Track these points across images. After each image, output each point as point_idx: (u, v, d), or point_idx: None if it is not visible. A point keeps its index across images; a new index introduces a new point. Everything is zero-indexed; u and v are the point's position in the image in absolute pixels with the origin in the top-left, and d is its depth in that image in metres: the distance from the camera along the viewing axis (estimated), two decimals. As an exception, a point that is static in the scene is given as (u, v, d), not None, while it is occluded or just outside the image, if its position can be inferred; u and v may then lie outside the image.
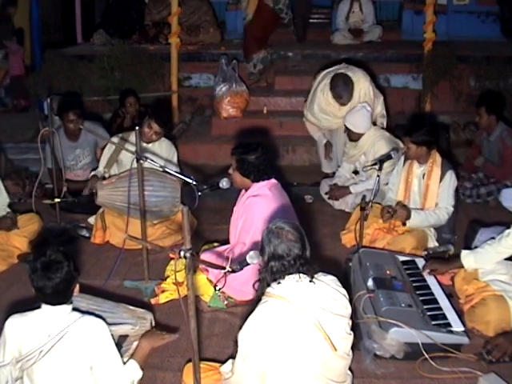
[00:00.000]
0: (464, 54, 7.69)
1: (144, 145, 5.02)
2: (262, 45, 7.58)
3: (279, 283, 2.74)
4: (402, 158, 4.81)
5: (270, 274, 2.76)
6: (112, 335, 2.91)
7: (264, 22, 7.45)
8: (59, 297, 2.79)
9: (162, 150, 5.26)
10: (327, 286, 2.81)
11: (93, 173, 5.47)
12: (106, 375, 2.83)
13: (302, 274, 2.74)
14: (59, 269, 2.74)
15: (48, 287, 2.73)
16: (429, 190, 4.66)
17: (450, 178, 4.63)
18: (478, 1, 8.96)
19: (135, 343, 3.27)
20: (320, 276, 2.83)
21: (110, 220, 4.99)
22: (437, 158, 4.68)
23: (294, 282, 2.73)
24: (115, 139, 5.28)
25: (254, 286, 2.88)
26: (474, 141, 6.22)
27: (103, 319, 2.93)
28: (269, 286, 2.77)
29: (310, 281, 2.75)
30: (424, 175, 4.69)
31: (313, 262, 2.81)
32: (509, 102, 6.94)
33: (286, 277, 2.74)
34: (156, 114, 5.36)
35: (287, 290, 2.73)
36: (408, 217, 4.58)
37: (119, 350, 3.17)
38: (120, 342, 3.27)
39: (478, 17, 8.91)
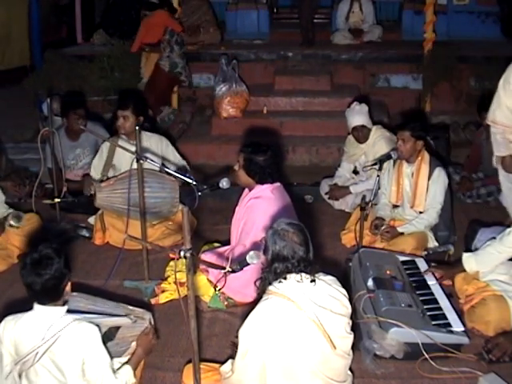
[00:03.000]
0: (464, 54, 7.70)
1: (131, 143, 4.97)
2: (164, 102, 7.64)
3: (280, 282, 2.75)
4: (392, 161, 4.80)
5: (272, 275, 2.77)
6: (101, 335, 2.88)
7: (160, 85, 7.55)
8: (49, 295, 2.74)
9: (152, 146, 5.17)
10: (328, 285, 2.82)
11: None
12: (97, 379, 2.81)
13: (303, 274, 2.75)
14: (49, 265, 2.69)
15: (37, 283, 2.68)
16: (418, 187, 4.66)
17: (439, 174, 4.64)
18: (478, 1, 8.97)
19: (133, 343, 3.26)
20: (320, 275, 2.84)
21: (109, 221, 4.98)
22: (425, 155, 4.69)
23: (295, 282, 2.74)
24: (105, 146, 5.27)
25: (255, 283, 2.89)
26: (473, 141, 6.22)
27: (98, 326, 2.90)
28: (270, 284, 2.78)
29: (312, 280, 2.76)
30: (413, 174, 4.70)
31: (315, 262, 2.82)
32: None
33: (288, 276, 2.75)
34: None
35: (288, 288, 2.74)
36: (394, 237, 4.60)
37: (112, 338, 3.17)
38: (112, 331, 3.24)
39: (477, 17, 8.92)
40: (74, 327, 2.75)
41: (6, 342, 2.79)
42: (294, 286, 2.74)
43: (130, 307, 3.50)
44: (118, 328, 3.30)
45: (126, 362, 3.11)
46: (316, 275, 2.80)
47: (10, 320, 2.82)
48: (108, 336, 3.17)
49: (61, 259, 2.74)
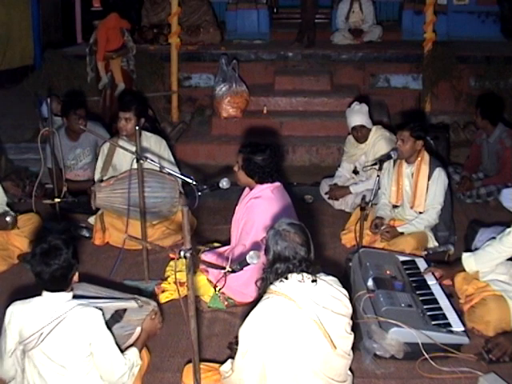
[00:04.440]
0: (464, 54, 7.71)
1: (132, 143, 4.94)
2: None
3: (282, 281, 2.76)
4: (392, 161, 4.81)
5: (274, 275, 2.78)
6: (105, 318, 2.92)
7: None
8: (57, 284, 2.81)
9: (152, 146, 5.17)
10: (329, 285, 2.83)
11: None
12: (104, 363, 2.87)
13: (305, 274, 2.76)
14: (58, 255, 2.76)
15: (46, 273, 2.75)
16: (417, 188, 4.67)
17: (439, 175, 4.64)
18: (478, 1, 8.97)
19: (138, 328, 3.28)
20: (322, 276, 2.84)
21: (108, 221, 4.98)
22: (425, 155, 4.70)
23: (297, 281, 2.75)
24: (105, 146, 5.28)
25: (256, 283, 2.90)
26: (473, 141, 6.22)
27: (101, 310, 2.94)
28: (271, 284, 2.79)
29: (313, 280, 2.76)
30: (413, 174, 4.70)
31: (316, 262, 2.82)
32: (509, 102, 6.95)
33: (289, 276, 2.76)
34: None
35: (289, 287, 2.74)
36: (394, 237, 4.60)
37: (119, 320, 3.22)
38: (119, 312, 3.28)
39: (478, 17, 8.92)
40: (78, 311, 2.81)
41: (12, 327, 2.84)
42: (296, 285, 2.74)
43: (136, 296, 3.51)
44: (124, 311, 3.33)
45: (132, 345, 3.17)
46: (317, 275, 2.80)
47: (18, 304, 2.88)
48: (115, 318, 3.21)
49: (69, 250, 2.81)
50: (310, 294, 2.74)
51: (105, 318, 2.91)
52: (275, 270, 2.76)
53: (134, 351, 3.11)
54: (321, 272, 2.84)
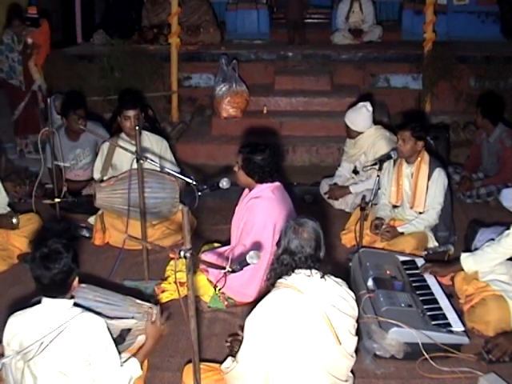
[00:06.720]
0: (464, 54, 7.70)
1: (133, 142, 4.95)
2: None
3: (290, 275, 2.78)
4: (392, 161, 4.81)
5: (279, 266, 2.81)
6: (110, 331, 2.89)
7: None
8: (57, 288, 2.77)
9: (153, 146, 5.20)
10: (338, 285, 2.86)
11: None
12: (103, 372, 2.83)
13: (313, 270, 2.78)
14: (58, 259, 2.73)
15: (45, 277, 2.72)
16: (417, 188, 4.67)
17: (439, 175, 4.64)
18: (478, 1, 8.95)
19: (140, 337, 3.26)
20: (331, 276, 2.87)
21: (109, 221, 4.98)
22: (425, 156, 4.70)
23: (306, 276, 2.77)
24: (105, 146, 5.28)
25: (266, 276, 2.92)
26: (473, 141, 6.22)
27: (104, 315, 2.92)
28: (279, 277, 2.81)
29: (322, 277, 2.79)
30: (412, 174, 4.70)
31: (326, 262, 2.84)
32: (509, 103, 6.94)
33: (297, 270, 2.78)
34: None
35: (299, 281, 2.77)
36: (394, 237, 4.61)
37: (122, 342, 3.16)
38: (123, 334, 3.26)
39: (478, 17, 8.90)
40: (80, 318, 2.78)
41: (12, 337, 2.81)
42: (305, 279, 2.77)
43: (138, 301, 3.49)
44: (129, 330, 3.30)
45: (134, 355, 3.11)
46: (327, 275, 2.82)
47: (17, 314, 2.85)
48: (118, 341, 3.16)
49: (69, 254, 2.79)
50: (318, 290, 2.76)
51: (111, 321, 2.87)
52: (281, 260, 2.80)
53: (133, 362, 3.03)
54: (330, 273, 2.86)
